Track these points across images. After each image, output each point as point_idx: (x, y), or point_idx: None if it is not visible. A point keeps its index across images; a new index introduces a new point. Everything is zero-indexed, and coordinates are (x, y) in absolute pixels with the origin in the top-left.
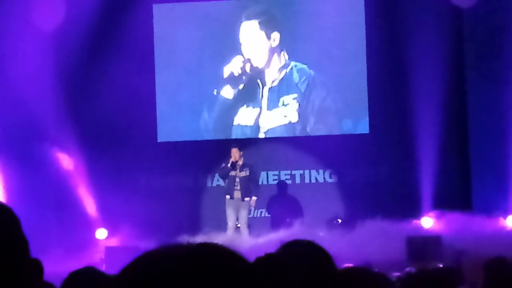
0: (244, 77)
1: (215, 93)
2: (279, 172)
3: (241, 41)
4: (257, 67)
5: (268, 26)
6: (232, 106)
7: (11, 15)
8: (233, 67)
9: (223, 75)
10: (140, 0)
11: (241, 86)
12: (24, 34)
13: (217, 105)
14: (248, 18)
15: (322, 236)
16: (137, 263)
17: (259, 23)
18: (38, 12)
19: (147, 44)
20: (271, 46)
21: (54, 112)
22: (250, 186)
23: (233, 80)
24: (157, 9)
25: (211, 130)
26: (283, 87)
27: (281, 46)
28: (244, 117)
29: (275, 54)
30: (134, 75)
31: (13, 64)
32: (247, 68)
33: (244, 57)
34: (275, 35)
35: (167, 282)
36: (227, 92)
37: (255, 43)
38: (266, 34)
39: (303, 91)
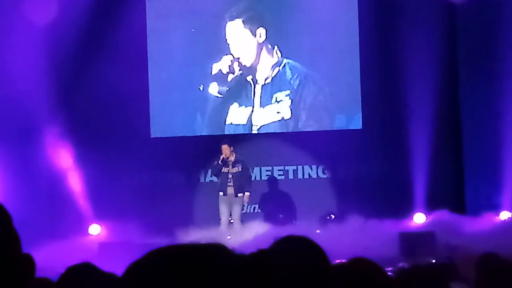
0: (233, 76)
1: (201, 89)
2: (272, 168)
3: (228, 41)
4: (246, 65)
5: (252, 23)
6: (224, 106)
7: (3, 10)
8: (221, 65)
9: (211, 72)
10: None
11: (231, 85)
12: (17, 29)
13: (209, 106)
14: (232, 18)
15: (315, 232)
16: (145, 260)
17: (242, 21)
18: (31, 7)
19: (140, 39)
20: (258, 42)
21: (46, 107)
22: (243, 182)
23: (220, 78)
24: (150, 3)
25: (205, 131)
26: (276, 84)
27: (273, 43)
28: (237, 115)
29: (264, 51)
30: (128, 70)
31: (4, 59)
32: (236, 67)
33: (233, 56)
34: (261, 31)
35: (174, 279)
36: (214, 89)
37: (241, 41)
38: (251, 31)
39: (295, 87)
